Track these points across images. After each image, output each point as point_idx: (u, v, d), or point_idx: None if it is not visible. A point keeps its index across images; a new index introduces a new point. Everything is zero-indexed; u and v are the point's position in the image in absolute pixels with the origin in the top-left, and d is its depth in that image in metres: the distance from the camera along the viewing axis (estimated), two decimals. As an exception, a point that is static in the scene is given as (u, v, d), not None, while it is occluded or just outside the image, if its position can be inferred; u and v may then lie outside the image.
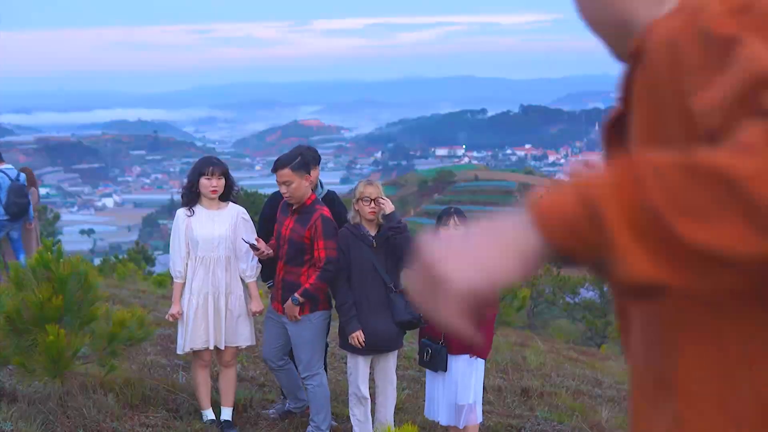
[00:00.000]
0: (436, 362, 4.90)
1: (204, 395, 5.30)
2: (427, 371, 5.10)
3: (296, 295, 4.96)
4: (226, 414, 5.30)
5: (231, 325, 5.12)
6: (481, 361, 4.96)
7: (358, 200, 4.91)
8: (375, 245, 4.90)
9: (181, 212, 5.14)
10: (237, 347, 5.25)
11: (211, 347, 5.12)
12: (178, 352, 5.18)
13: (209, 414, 5.29)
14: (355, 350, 4.97)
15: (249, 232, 5.17)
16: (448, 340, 4.90)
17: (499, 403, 6.91)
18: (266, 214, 5.65)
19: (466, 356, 4.88)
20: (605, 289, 19.97)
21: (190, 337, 5.08)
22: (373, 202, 4.86)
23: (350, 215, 5.01)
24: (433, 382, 5.06)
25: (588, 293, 20.74)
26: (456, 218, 4.81)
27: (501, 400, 7.06)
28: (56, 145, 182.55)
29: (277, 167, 5.04)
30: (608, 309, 19.27)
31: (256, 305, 5.20)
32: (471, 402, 4.90)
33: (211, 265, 5.07)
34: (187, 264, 5.09)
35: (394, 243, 4.87)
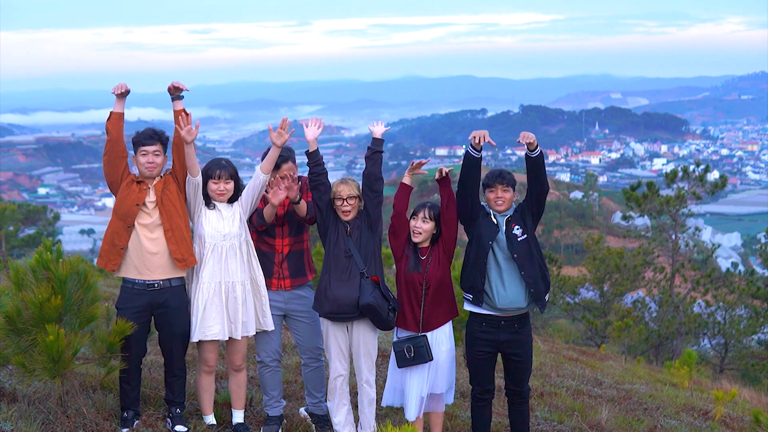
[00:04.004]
0: (423, 353, 5.02)
1: (207, 402, 5.30)
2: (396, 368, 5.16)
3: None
4: (238, 417, 5.32)
5: (244, 316, 5.12)
6: (442, 345, 5.11)
7: (333, 199, 5.09)
8: (349, 232, 5.09)
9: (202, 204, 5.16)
10: (249, 347, 5.27)
11: (225, 337, 5.10)
12: (193, 339, 5.12)
13: (210, 419, 5.29)
14: (324, 315, 5.13)
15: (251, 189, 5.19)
16: (425, 326, 5.08)
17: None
18: None
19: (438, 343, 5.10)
20: (605, 288, 19.98)
21: (201, 326, 5.05)
22: (345, 201, 5.04)
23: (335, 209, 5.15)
24: (406, 374, 5.14)
25: (588, 293, 20.72)
26: (426, 213, 5.06)
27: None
28: (56, 145, 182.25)
29: (282, 161, 5.21)
30: (608, 309, 19.27)
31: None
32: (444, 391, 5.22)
33: (223, 253, 5.07)
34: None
35: (366, 163, 5.10)
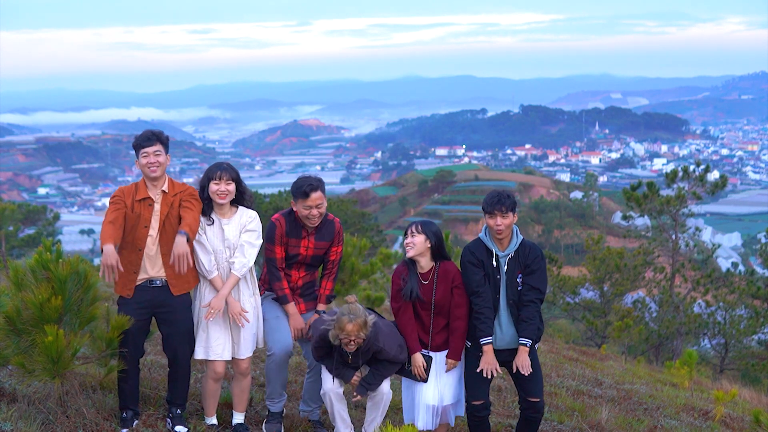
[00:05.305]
0: (419, 371, 5.09)
1: (211, 406, 5.31)
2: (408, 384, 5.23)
3: (320, 309, 5.36)
4: (239, 418, 5.33)
5: (248, 335, 5.15)
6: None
7: (339, 338, 4.83)
8: (350, 359, 4.99)
9: (202, 219, 5.08)
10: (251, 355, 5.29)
11: (229, 358, 5.12)
12: (196, 357, 5.13)
13: (212, 420, 5.30)
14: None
15: (249, 246, 5.07)
16: (434, 348, 5.13)
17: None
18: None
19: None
20: (605, 288, 19.98)
21: (206, 345, 5.07)
22: (352, 341, 4.83)
23: (331, 334, 4.87)
24: (417, 385, 5.16)
25: (588, 293, 20.71)
26: (414, 228, 5.07)
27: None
28: (56, 145, 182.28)
29: (311, 189, 5.08)
30: (608, 309, 19.27)
31: (216, 302, 4.95)
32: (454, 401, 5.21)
33: (224, 274, 5.07)
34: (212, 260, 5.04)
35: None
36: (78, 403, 4.96)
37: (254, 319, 5.18)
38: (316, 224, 5.21)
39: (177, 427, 5.04)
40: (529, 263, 4.96)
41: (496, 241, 4.99)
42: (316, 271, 5.47)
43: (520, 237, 5.04)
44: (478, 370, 4.96)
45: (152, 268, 4.94)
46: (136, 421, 5.04)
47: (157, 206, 4.95)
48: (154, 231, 4.93)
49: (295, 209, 5.22)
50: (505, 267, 4.96)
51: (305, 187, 5.08)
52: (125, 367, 4.96)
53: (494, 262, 4.96)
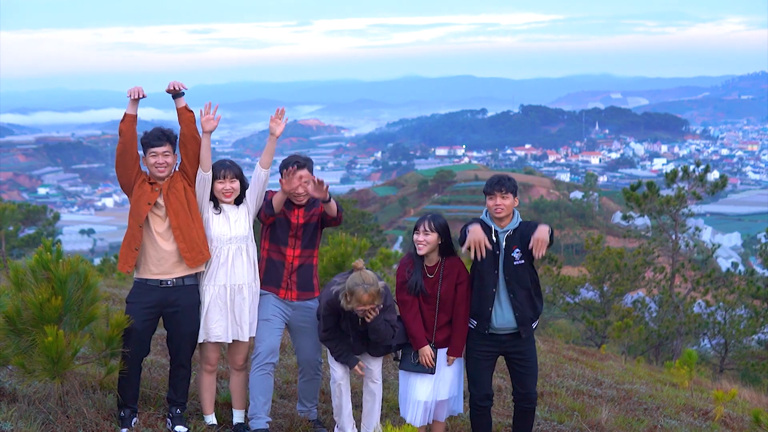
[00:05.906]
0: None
1: (208, 401, 5.30)
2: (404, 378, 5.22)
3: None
4: (239, 417, 5.31)
5: (250, 317, 5.15)
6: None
7: (355, 310, 4.80)
8: (362, 324, 4.95)
9: (210, 207, 5.16)
10: (249, 348, 5.29)
11: (229, 340, 5.12)
12: (199, 341, 5.16)
13: (211, 419, 5.29)
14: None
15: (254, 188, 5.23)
16: (438, 343, 5.12)
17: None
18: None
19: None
20: (605, 288, 19.97)
21: (205, 327, 5.08)
22: (366, 311, 4.80)
23: (344, 304, 4.80)
24: (412, 379, 5.16)
25: (588, 293, 20.70)
26: (426, 225, 5.01)
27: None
28: (56, 145, 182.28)
29: (299, 167, 5.14)
30: (608, 309, 19.27)
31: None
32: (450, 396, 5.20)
33: (229, 256, 5.09)
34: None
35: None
36: (78, 403, 4.96)
37: (255, 302, 5.18)
38: (303, 202, 5.23)
39: (177, 427, 5.04)
40: (526, 234, 4.96)
41: (495, 220, 5.03)
42: (313, 257, 5.37)
43: (520, 219, 5.07)
44: (464, 249, 4.94)
45: (166, 242, 4.94)
46: (134, 419, 5.04)
47: (162, 195, 5.00)
48: (160, 211, 4.96)
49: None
50: (504, 243, 4.99)
51: (292, 164, 5.12)
52: (128, 366, 4.95)
53: (494, 238, 4.99)
